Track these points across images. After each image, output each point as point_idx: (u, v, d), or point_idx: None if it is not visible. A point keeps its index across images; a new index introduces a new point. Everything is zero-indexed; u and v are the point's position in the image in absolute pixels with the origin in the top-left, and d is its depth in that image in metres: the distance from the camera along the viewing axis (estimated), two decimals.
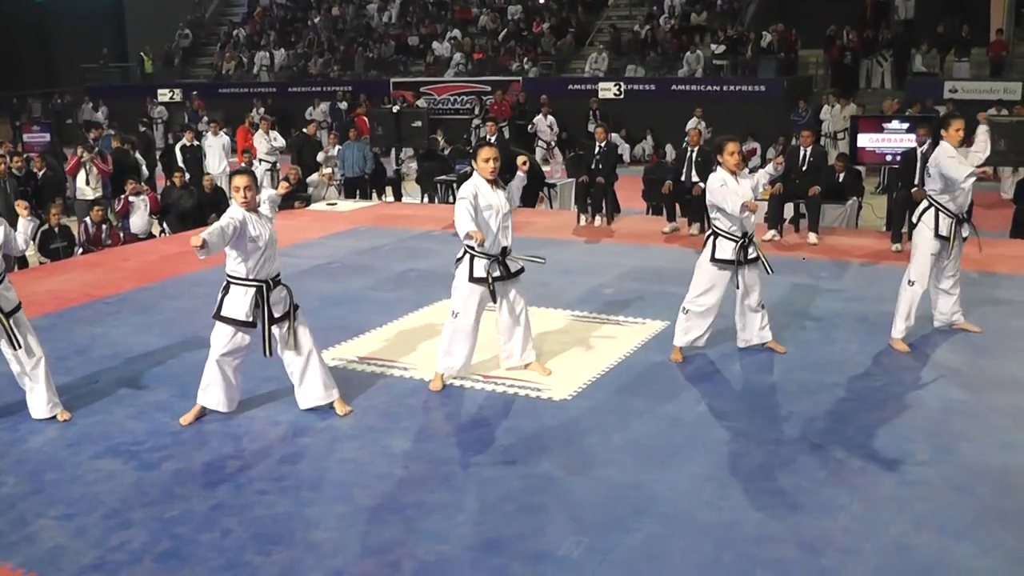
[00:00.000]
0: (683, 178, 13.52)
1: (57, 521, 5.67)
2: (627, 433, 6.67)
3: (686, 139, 14.10)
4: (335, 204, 16.60)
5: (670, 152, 21.69)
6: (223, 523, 5.56)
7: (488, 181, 7.36)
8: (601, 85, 26.64)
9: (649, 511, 5.55)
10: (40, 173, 16.59)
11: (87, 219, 14.50)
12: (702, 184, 11.35)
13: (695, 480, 5.93)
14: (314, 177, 17.45)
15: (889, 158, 14.61)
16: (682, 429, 6.73)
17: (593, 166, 14.06)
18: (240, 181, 6.77)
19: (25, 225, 7.34)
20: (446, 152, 18.70)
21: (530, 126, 24.30)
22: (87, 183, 15.88)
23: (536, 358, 7.93)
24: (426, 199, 18.03)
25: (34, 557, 5.28)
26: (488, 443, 6.57)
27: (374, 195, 17.99)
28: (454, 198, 16.45)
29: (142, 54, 35.14)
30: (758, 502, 5.63)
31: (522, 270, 7.60)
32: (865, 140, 14.92)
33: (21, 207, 7.53)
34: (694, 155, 13.49)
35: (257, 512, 5.68)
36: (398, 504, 5.73)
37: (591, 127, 19.98)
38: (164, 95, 28.65)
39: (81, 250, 14.11)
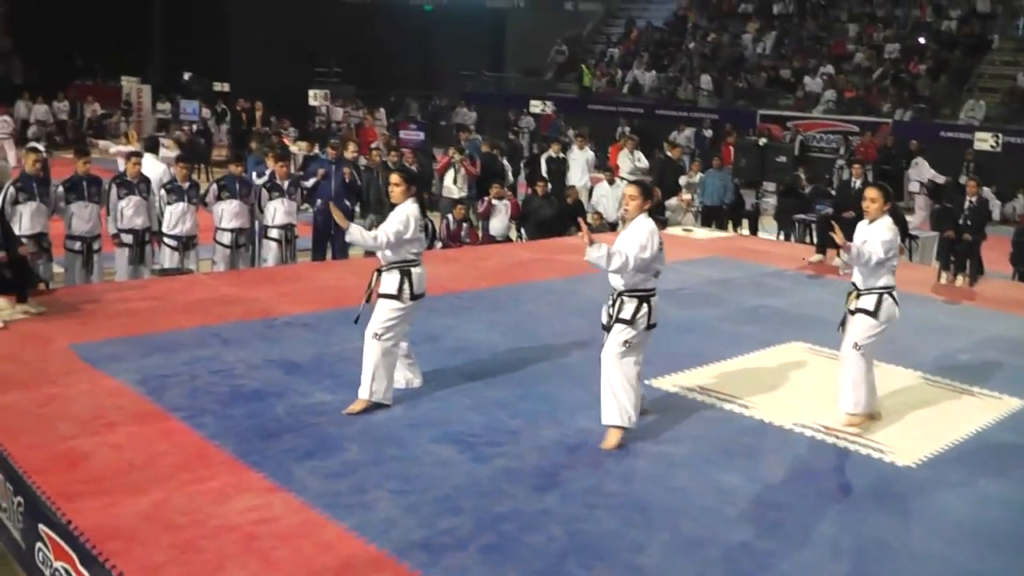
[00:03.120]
0: None
1: (392, 494, 6.07)
2: (971, 515, 6.35)
3: None
4: (691, 231, 16.68)
5: None
6: (549, 529, 5.76)
7: None
8: (977, 135, 25.19)
9: None
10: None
11: (450, 216, 15.34)
12: None
13: None
14: (673, 201, 17.61)
15: None
16: None
17: (961, 221, 13.45)
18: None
19: None
20: (807, 190, 18.40)
21: (912, 166, 23.09)
22: (454, 182, 16.72)
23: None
24: (782, 236, 17.81)
25: (367, 523, 5.67)
26: (819, 498, 6.45)
27: (730, 226, 17.96)
28: (811, 238, 16.38)
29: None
30: None
31: None
32: None
33: None
34: None
35: (583, 525, 5.84)
36: (723, 542, 5.74)
37: (962, 179, 19.03)
38: (536, 106, 29.69)
39: (441, 244, 14.92)
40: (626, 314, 6.96)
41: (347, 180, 13.84)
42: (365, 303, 7.68)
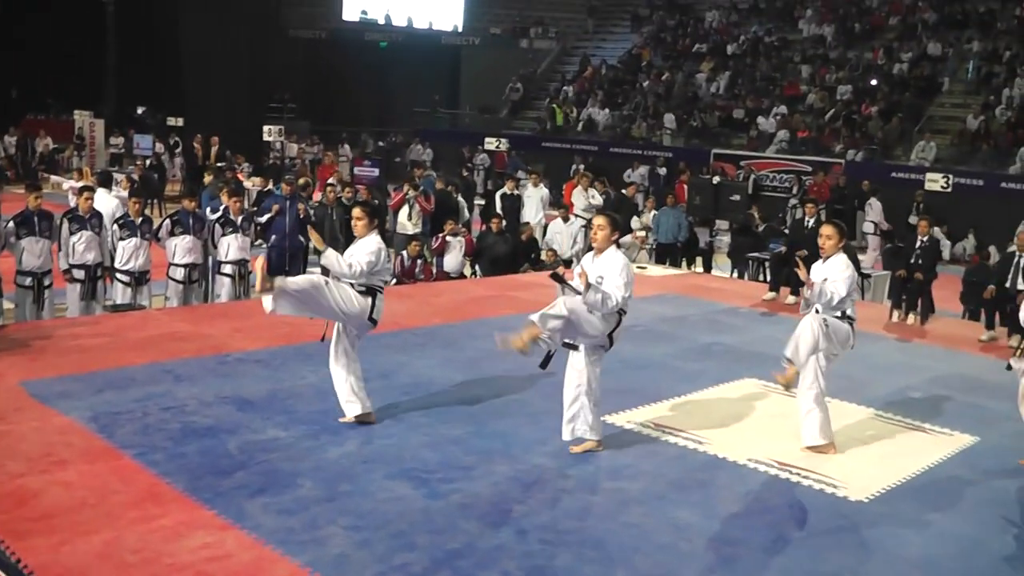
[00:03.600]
0: (1007, 284, 12.87)
1: (346, 531, 6.03)
2: (924, 550, 6.40)
3: (1015, 242, 13.42)
4: (645, 268, 16.77)
5: (994, 254, 20.66)
6: (503, 564, 5.75)
7: None
8: (928, 176, 25.56)
9: None
10: None
11: (404, 252, 15.34)
12: None
13: None
14: (627, 239, 17.70)
15: None
16: (986, 556, 6.40)
17: (912, 260, 13.62)
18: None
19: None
20: (760, 229, 18.56)
21: (867, 207, 23.28)
22: (408, 218, 16.72)
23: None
24: (736, 274, 17.95)
25: (321, 559, 5.63)
26: (774, 532, 6.49)
27: (684, 263, 18.08)
28: (764, 276, 16.53)
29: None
30: None
31: None
32: None
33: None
34: (1022, 261, 12.82)
35: (537, 561, 5.83)
36: None
37: (912, 219, 19.27)
38: (491, 143, 29.85)
39: (395, 280, 14.88)
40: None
41: (301, 216, 13.79)
42: (322, 341, 7.83)
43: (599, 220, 7.50)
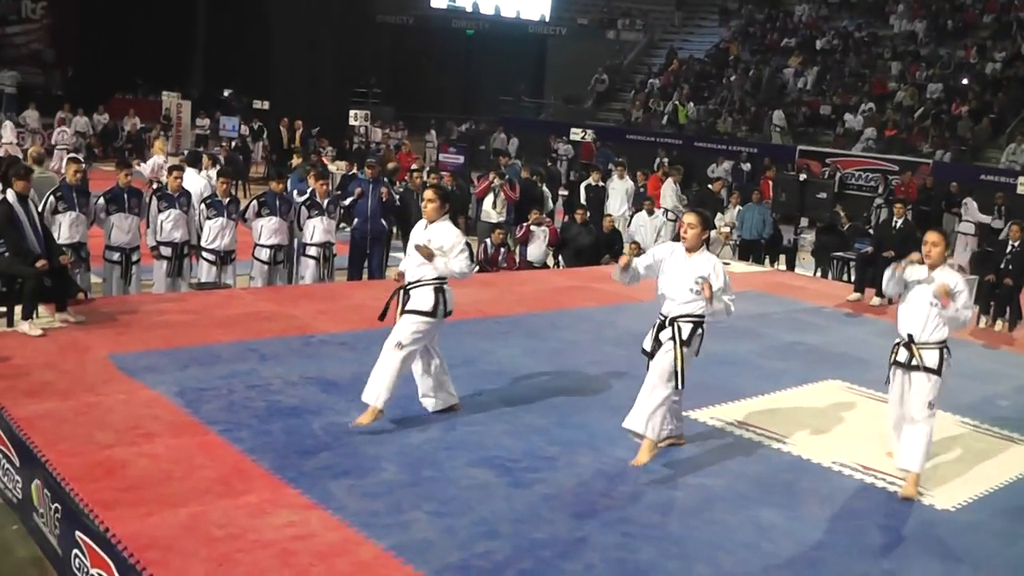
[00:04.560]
0: None
1: (429, 516, 6.05)
2: (1014, 560, 6.30)
3: None
4: (728, 264, 16.57)
5: None
6: (587, 557, 5.72)
7: None
8: (1020, 179, 24.94)
9: None
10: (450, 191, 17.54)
11: (488, 240, 15.35)
12: None
13: None
14: (712, 234, 17.51)
15: None
16: None
17: (1003, 266, 13.34)
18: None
19: None
20: (846, 228, 18.29)
21: (963, 206, 22.79)
22: (493, 206, 16.70)
23: None
24: (819, 273, 17.70)
25: (404, 544, 5.65)
26: (858, 537, 6.39)
27: (768, 261, 17.88)
28: (849, 276, 16.29)
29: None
30: None
31: None
32: None
33: None
34: None
35: (620, 554, 5.81)
36: None
37: (995, 222, 18.86)
38: (576, 134, 29.72)
39: (478, 268, 14.89)
40: (686, 335, 7.10)
41: (384, 199, 13.84)
42: (380, 319, 7.72)
43: (690, 219, 7.31)
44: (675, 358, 7.04)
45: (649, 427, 7.09)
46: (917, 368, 7.17)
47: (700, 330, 7.19)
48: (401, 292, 7.59)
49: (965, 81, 30.66)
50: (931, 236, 7.30)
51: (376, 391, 7.34)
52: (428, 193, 7.79)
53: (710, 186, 19.75)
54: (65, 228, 10.77)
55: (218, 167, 15.76)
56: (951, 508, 6.99)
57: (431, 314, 7.44)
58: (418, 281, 7.50)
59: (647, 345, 7.28)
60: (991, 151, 27.87)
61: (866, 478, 7.38)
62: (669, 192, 18.60)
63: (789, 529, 6.38)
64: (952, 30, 33.84)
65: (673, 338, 7.09)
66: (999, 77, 30.16)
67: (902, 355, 7.29)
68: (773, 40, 37.79)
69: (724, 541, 6.10)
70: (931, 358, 7.16)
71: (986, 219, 21.27)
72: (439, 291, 7.50)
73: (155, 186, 13.49)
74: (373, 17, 38.86)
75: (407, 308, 7.48)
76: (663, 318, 7.21)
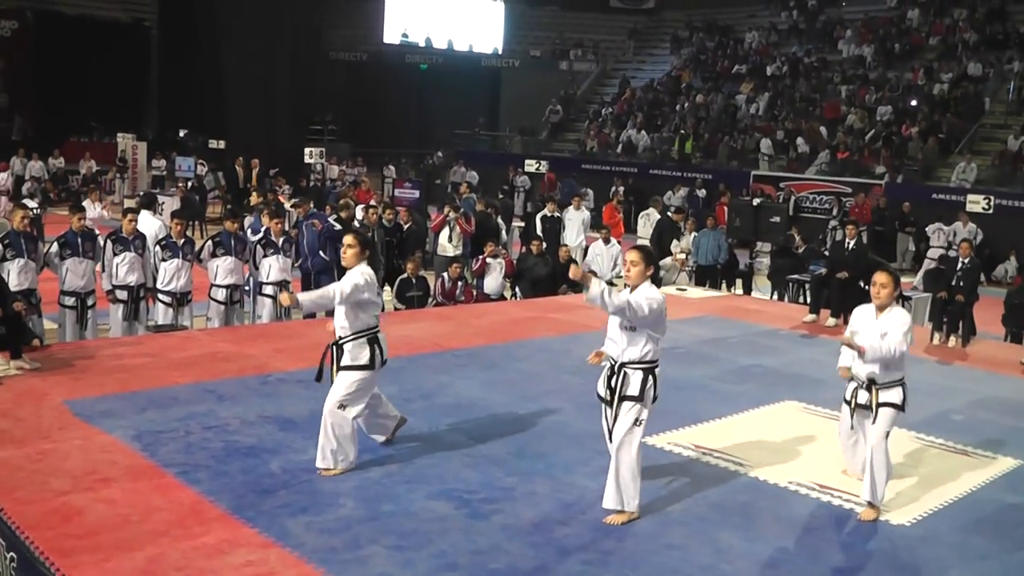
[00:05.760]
0: None
1: (388, 550, 6.06)
2: (967, 573, 6.36)
3: None
4: (684, 290, 16.73)
5: None
6: None
7: None
8: (969, 198, 25.37)
9: None
10: (406, 226, 17.42)
11: (445, 274, 15.37)
12: None
13: None
14: (667, 261, 17.67)
15: None
16: None
17: (954, 283, 13.51)
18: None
19: None
20: (800, 250, 18.48)
21: (934, 234, 23.06)
22: (449, 240, 16.71)
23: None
24: (776, 296, 17.86)
25: None
26: (816, 556, 6.45)
27: (724, 285, 18.01)
28: (804, 298, 16.46)
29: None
30: None
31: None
32: None
33: None
34: None
35: None
36: None
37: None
38: (531, 165, 29.93)
39: (435, 302, 14.93)
40: (633, 390, 6.64)
41: (319, 231, 13.69)
42: (317, 381, 7.55)
43: (632, 255, 6.77)
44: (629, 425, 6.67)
45: (625, 501, 6.74)
46: (882, 406, 7.15)
47: (651, 378, 6.67)
48: (334, 347, 7.44)
49: (914, 103, 31.18)
50: (880, 278, 7.24)
51: (334, 458, 7.27)
52: (348, 239, 7.54)
53: (669, 214, 19.89)
54: (14, 275, 10.62)
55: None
56: (906, 523, 7.06)
57: (368, 367, 7.33)
58: (352, 335, 7.35)
59: (601, 391, 6.86)
60: (942, 170, 28.29)
61: (822, 497, 7.45)
62: (645, 225, 18.72)
63: (747, 550, 6.43)
64: (899, 53, 34.44)
65: (622, 399, 6.67)
66: (947, 98, 30.67)
67: (862, 397, 7.28)
68: (724, 67, 38.24)
69: (683, 565, 6.14)
70: (895, 396, 7.17)
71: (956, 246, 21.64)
72: (373, 342, 7.35)
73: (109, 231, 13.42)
74: (326, 54, 39.03)
75: (343, 364, 7.32)
76: (613, 362, 6.77)
